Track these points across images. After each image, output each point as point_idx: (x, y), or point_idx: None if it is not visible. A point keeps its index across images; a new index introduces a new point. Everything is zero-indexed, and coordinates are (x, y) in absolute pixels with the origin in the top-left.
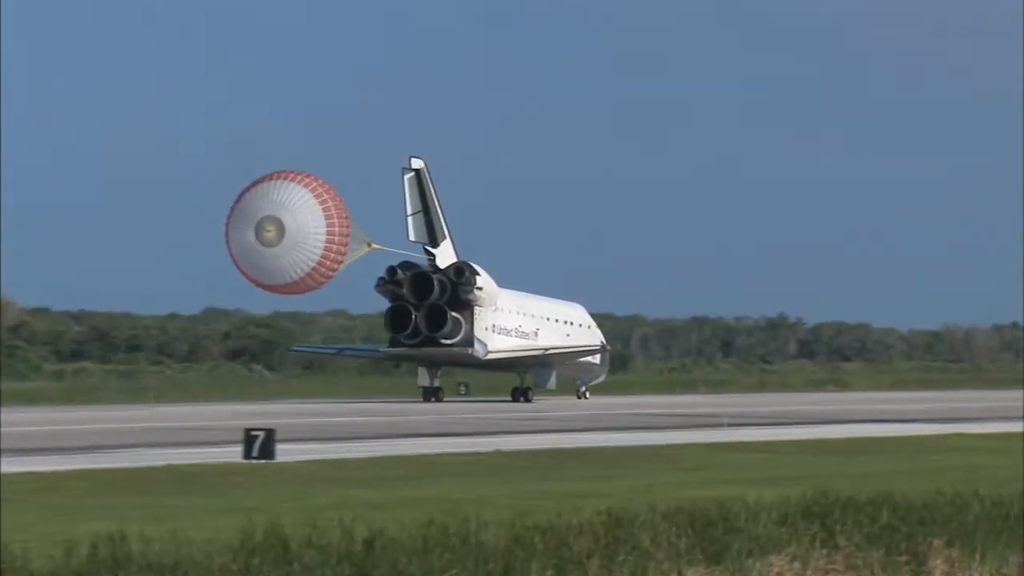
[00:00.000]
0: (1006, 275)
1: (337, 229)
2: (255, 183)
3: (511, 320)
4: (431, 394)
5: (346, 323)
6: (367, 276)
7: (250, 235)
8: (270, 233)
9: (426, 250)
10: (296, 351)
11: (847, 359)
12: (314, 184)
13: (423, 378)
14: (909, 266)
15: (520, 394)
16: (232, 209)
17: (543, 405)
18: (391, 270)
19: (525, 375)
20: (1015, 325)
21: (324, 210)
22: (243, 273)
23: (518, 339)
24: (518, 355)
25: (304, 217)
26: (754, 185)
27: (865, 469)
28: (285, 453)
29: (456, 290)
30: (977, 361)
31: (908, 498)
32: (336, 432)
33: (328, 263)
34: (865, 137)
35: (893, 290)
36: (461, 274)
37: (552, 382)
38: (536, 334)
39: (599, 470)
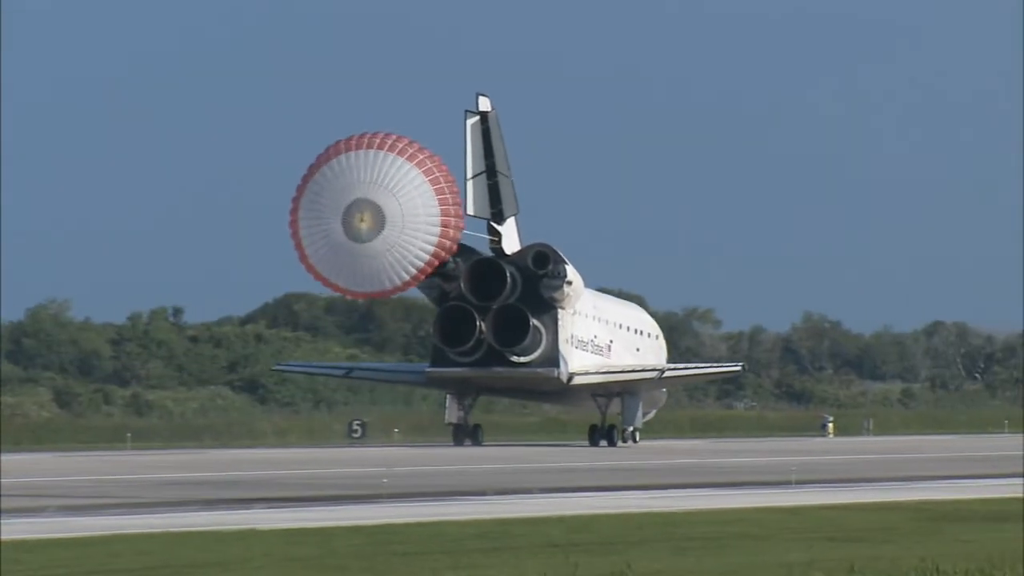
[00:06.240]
0: None
1: (452, 217)
2: (334, 152)
3: (587, 328)
4: (465, 434)
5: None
6: None
7: (334, 225)
8: (364, 224)
9: (490, 227)
10: (280, 370)
11: None
12: (418, 154)
13: (452, 412)
14: None
15: (602, 435)
16: (302, 187)
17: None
18: None
19: (607, 408)
20: None
21: (436, 191)
22: (319, 278)
23: (594, 356)
24: (606, 379)
25: (411, 201)
26: None
27: None
28: None
29: (536, 285)
30: None
31: None
32: None
33: (440, 261)
34: None
35: None
36: (544, 262)
37: (640, 418)
38: (610, 348)
39: None
